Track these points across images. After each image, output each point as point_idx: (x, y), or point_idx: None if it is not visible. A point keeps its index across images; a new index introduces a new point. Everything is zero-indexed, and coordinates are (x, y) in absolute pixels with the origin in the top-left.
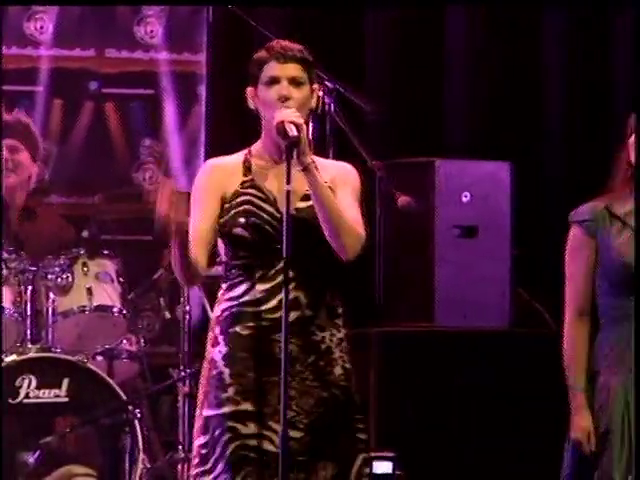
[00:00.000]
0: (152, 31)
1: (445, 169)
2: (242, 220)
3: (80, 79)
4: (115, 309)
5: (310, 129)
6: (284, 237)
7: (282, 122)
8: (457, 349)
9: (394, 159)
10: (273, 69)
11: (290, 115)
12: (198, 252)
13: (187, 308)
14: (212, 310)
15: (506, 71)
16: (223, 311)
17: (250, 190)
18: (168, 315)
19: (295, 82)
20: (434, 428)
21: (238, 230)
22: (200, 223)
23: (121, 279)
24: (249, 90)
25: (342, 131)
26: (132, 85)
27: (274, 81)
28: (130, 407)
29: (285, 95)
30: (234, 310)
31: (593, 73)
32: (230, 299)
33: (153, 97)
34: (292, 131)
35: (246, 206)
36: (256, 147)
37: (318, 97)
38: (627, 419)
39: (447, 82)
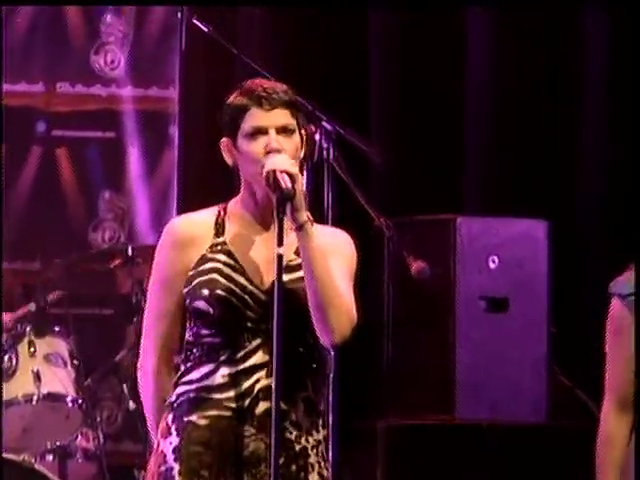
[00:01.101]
0: (113, 61)
1: (468, 228)
2: (205, 292)
3: (26, 119)
4: (68, 398)
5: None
6: (275, 311)
7: (273, 171)
8: (482, 447)
9: (406, 216)
10: (257, 118)
11: (283, 163)
12: (155, 362)
13: None
14: None
15: (538, 113)
16: (178, 396)
17: (219, 256)
18: (132, 405)
19: (285, 131)
20: None
21: (200, 304)
22: (159, 320)
23: (75, 361)
24: (225, 142)
25: (343, 182)
26: (89, 127)
27: (259, 132)
28: None
29: (276, 148)
30: (191, 395)
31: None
32: (188, 382)
33: (114, 141)
34: (285, 182)
35: (212, 275)
36: (233, 205)
37: (314, 142)
38: None
39: (469, 126)
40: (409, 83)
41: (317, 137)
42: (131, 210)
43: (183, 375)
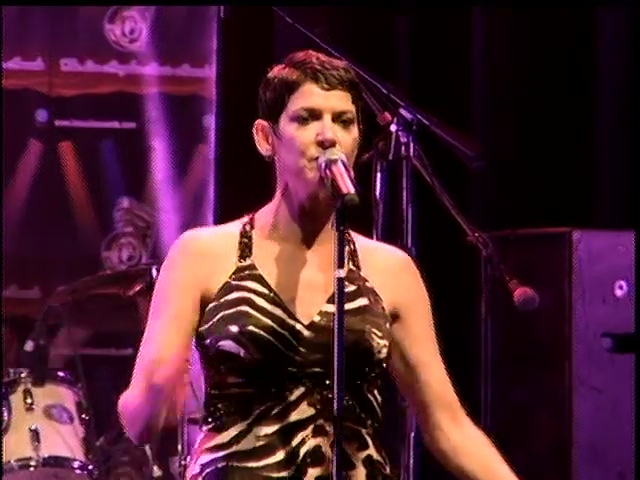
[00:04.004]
0: (133, 31)
1: (589, 244)
2: (234, 329)
3: (21, 106)
4: (76, 463)
5: (378, 183)
6: (335, 352)
7: (331, 171)
8: None
9: (509, 229)
10: (311, 97)
11: (343, 162)
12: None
13: (188, 460)
14: None
15: None
16: (203, 467)
17: (248, 283)
18: (157, 472)
19: (342, 119)
20: None
21: (227, 344)
22: (160, 346)
23: (85, 416)
24: (261, 125)
25: (427, 186)
26: (102, 115)
27: (311, 116)
28: None
29: (330, 140)
30: (219, 465)
31: None
32: (213, 449)
33: (135, 133)
34: (348, 187)
35: (242, 307)
36: (263, 215)
37: (389, 134)
38: None
39: (601, 108)
40: (520, 67)
41: (393, 128)
42: (156, 222)
43: (207, 439)
